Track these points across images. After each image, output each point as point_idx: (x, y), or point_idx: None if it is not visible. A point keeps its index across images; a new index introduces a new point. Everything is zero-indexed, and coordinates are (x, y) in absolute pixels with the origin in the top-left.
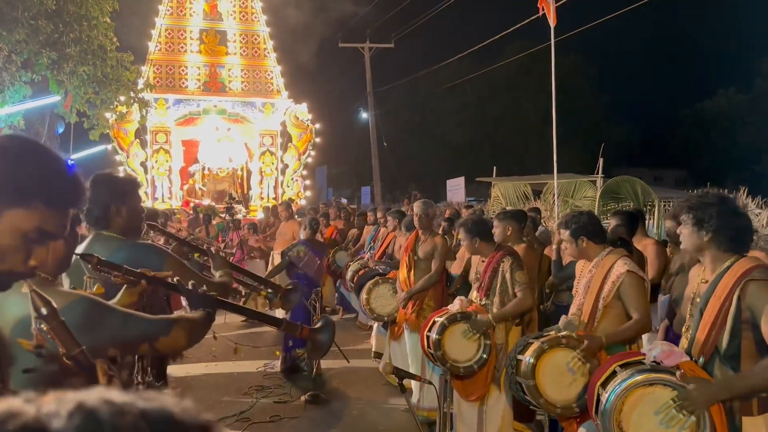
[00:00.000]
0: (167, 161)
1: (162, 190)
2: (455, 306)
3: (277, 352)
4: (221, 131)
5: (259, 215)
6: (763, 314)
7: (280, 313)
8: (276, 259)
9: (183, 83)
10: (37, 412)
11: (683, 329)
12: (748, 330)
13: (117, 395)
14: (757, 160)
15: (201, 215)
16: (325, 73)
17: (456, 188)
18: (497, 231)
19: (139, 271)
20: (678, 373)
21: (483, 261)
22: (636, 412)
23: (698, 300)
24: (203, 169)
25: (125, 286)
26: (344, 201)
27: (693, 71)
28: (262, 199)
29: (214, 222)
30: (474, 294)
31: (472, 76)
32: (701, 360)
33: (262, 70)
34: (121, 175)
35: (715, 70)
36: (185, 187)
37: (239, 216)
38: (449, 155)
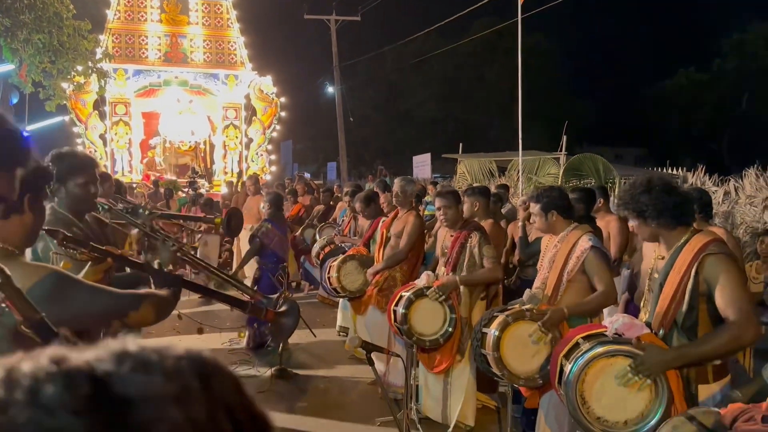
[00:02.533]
0: (127, 134)
1: (122, 164)
2: (422, 281)
3: (241, 335)
4: (183, 103)
5: (223, 190)
6: (718, 286)
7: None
8: (242, 234)
9: (143, 53)
10: (86, 358)
11: (641, 303)
12: (705, 302)
13: (143, 344)
14: (715, 138)
15: (162, 190)
16: (291, 46)
17: (422, 165)
18: (465, 206)
19: (105, 248)
20: (633, 340)
21: (451, 236)
22: (598, 383)
23: (656, 275)
24: (164, 142)
25: (90, 262)
26: (307, 176)
27: (654, 51)
28: (225, 173)
29: (175, 197)
30: (441, 269)
31: (438, 52)
32: (661, 332)
33: (226, 41)
34: (78, 150)
35: (675, 50)
36: (145, 160)
37: (202, 191)
38: (415, 131)
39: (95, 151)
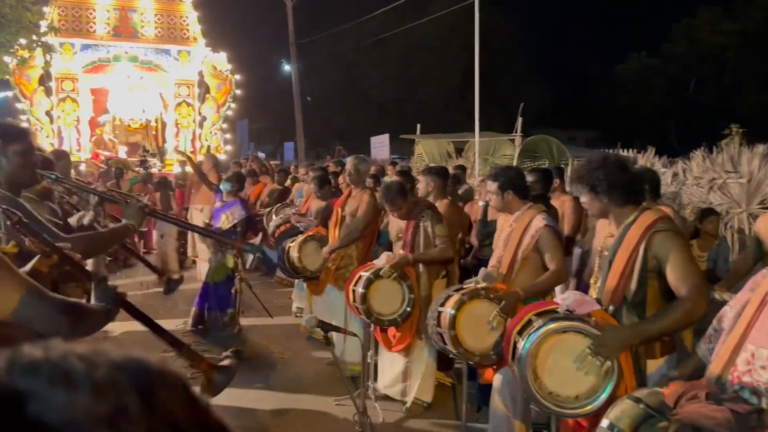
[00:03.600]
0: (75, 110)
1: (70, 142)
2: (381, 261)
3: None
4: (133, 80)
5: (176, 169)
6: (669, 263)
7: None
8: (195, 214)
9: (91, 27)
10: None
11: (592, 280)
12: (654, 278)
13: (79, 346)
14: (664, 121)
15: (113, 169)
16: (246, 22)
17: (380, 145)
18: (420, 185)
19: (58, 245)
20: (591, 321)
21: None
22: (550, 358)
23: (606, 253)
24: (114, 119)
25: (39, 255)
26: (262, 155)
27: (607, 35)
28: (178, 152)
29: (126, 176)
30: (399, 251)
31: (395, 32)
32: (611, 308)
33: (178, 15)
34: (8, 120)
35: (627, 35)
36: (93, 138)
37: (154, 170)
38: (373, 112)
39: (41, 128)
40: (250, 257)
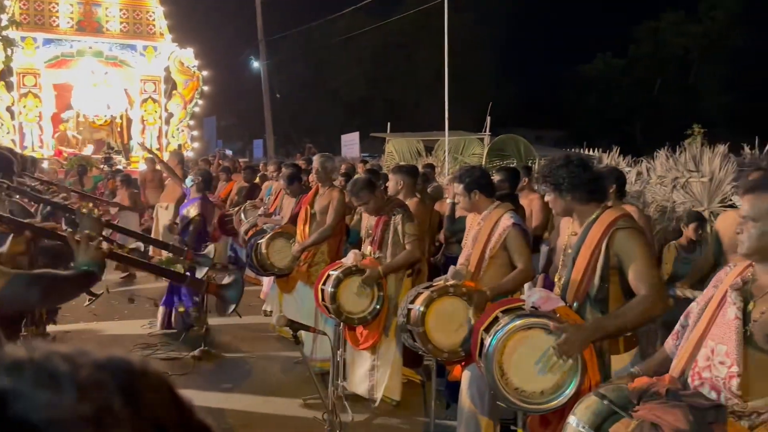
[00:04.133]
0: (37, 106)
1: (31, 138)
2: (349, 259)
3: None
4: (97, 75)
5: (141, 167)
6: (629, 260)
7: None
8: (161, 212)
9: (54, 21)
10: None
11: (556, 278)
12: (616, 275)
13: (62, 347)
14: (630, 121)
15: (75, 166)
16: (214, 17)
17: (351, 143)
18: (390, 184)
19: (26, 222)
20: (552, 324)
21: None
22: (516, 354)
23: (569, 250)
24: (78, 116)
25: (11, 235)
26: (229, 153)
27: (574, 36)
28: (144, 149)
29: (90, 174)
30: (367, 248)
31: (366, 30)
32: (575, 305)
33: (144, 10)
34: None
35: (594, 36)
36: (56, 134)
37: (119, 167)
38: (343, 110)
39: (2, 125)
40: (204, 270)
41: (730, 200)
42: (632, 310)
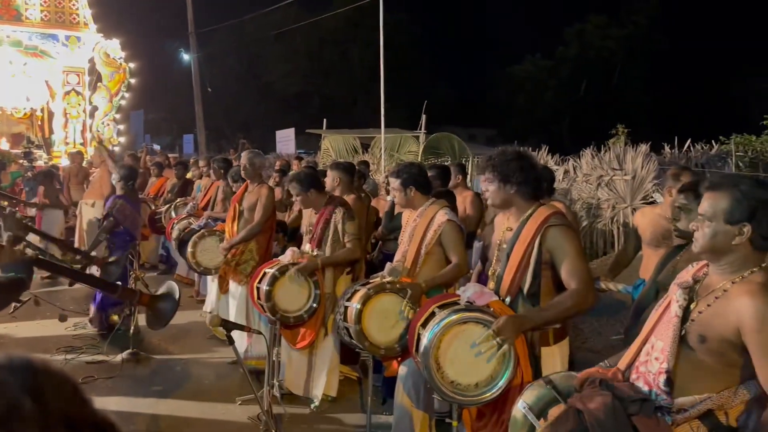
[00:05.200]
0: None
1: None
2: (286, 257)
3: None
4: (16, 66)
5: (63, 162)
6: (560, 256)
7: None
8: (85, 210)
9: None
10: None
11: (490, 272)
12: (548, 270)
13: None
14: (557, 120)
15: None
16: (142, 8)
17: (286, 139)
18: (327, 180)
19: None
20: (490, 310)
21: (315, 213)
22: (452, 348)
23: (504, 246)
24: None
25: None
26: (157, 148)
27: (505, 37)
28: (67, 144)
29: (8, 169)
30: (306, 246)
31: (300, 25)
32: (508, 299)
33: None
34: None
35: (524, 37)
36: None
37: (40, 162)
38: (278, 105)
39: None
40: (113, 275)
41: (652, 197)
42: (563, 304)
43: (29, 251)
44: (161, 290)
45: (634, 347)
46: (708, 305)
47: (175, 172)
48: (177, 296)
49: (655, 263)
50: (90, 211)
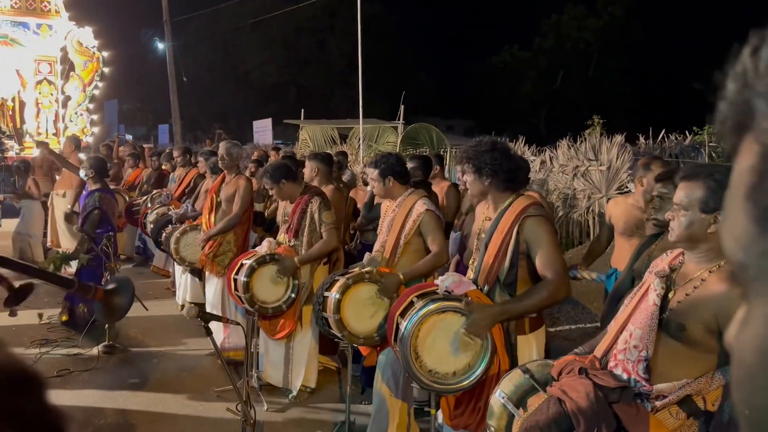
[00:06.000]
0: None
1: None
2: (263, 248)
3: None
4: None
5: (35, 153)
6: (536, 247)
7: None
8: (56, 200)
9: None
10: None
11: (470, 261)
12: (524, 260)
13: None
14: (534, 112)
15: None
16: None
17: (263, 130)
18: (306, 170)
19: None
20: (463, 301)
21: (291, 203)
22: (430, 337)
23: (483, 235)
24: None
25: None
26: (128, 138)
27: (483, 28)
28: (39, 134)
29: None
30: (282, 236)
31: (276, 14)
32: (485, 288)
33: None
34: None
35: (501, 28)
36: None
37: (11, 153)
38: (254, 95)
39: None
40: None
41: (627, 187)
42: (538, 294)
43: None
44: (111, 285)
45: (610, 335)
46: (686, 294)
47: (151, 163)
48: (131, 290)
49: (627, 252)
50: (61, 201)
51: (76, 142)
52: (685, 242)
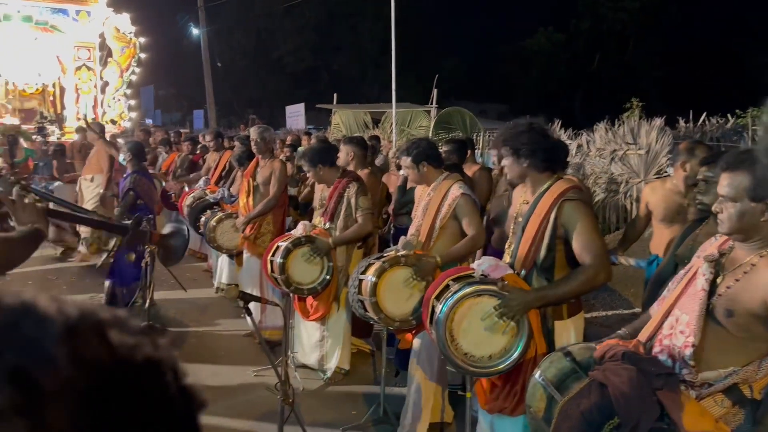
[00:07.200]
0: None
1: None
2: (298, 230)
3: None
4: (27, 41)
5: (76, 137)
6: (575, 231)
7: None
8: (84, 185)
9: None
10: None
11: (506, 245)
12: (561, 244)
13: None
14: (570, 95)
15: (7, 137)
16: None
17: (295, 115)
18: (341, 155)
19: None
20: (499, 284)
21: (328, 187)
22: (466, 320)
23: (520, 219)
24: (6, 84)
25: None
26: (149, 122)
27: (519, 9)
28: (78, 119)
29: (24, 144)
30: (317, 219)
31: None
32: (522, 272)
33: None
34: None
35: (536, 10)
36: None
37: (53, 138)
38: (288, 80)
39: None
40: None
41: (666, 172)
42: (576, 279)
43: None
44: (167, 229)
45: (656, 320)
46: (736, 280)
47: (185, 148)
48: (186, 234)
49: (666, 238)
50: (89, 186)
51: (100, 129)
52: (739, 233)
